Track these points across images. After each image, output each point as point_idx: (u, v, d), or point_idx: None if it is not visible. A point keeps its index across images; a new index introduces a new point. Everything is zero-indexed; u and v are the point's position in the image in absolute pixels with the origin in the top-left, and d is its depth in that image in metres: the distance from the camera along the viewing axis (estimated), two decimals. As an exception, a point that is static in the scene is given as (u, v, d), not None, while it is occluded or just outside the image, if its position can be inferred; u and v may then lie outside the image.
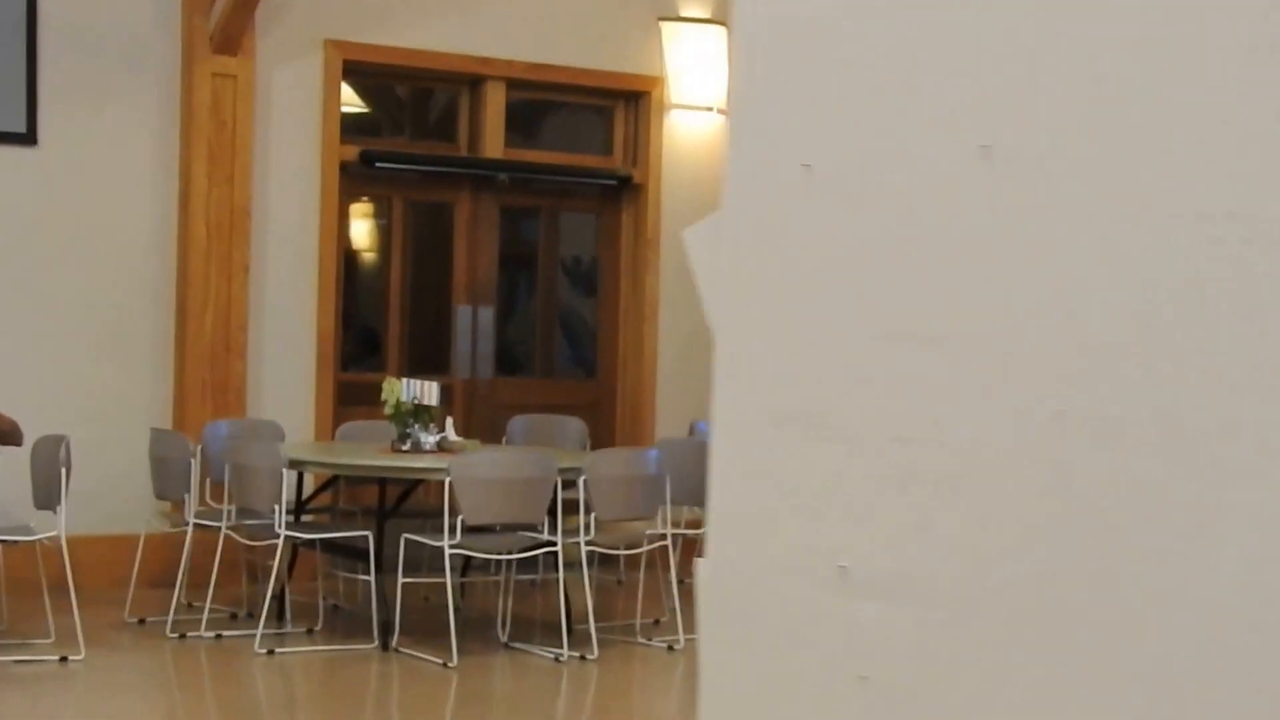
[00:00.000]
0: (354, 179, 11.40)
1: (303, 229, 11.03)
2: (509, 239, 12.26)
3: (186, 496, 9.29)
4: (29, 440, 8.87)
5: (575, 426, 10.67)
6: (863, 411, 1.20)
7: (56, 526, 8.45)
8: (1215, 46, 0.98)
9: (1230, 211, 0.95)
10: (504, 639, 9.03)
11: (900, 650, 1.16)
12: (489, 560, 9.22)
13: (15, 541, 8.63)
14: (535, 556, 9.04)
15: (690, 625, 8.56)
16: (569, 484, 8.80)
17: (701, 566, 1.34)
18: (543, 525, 8.70)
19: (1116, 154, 1.03)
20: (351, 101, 11.60)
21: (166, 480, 9.49)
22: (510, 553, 8.82)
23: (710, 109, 11.88)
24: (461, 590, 9.79)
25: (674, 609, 9.24)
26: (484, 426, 11.21)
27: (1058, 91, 1.06)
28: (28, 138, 10.29)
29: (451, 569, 8.59)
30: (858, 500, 1.20)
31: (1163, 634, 0.98)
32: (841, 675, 1.20)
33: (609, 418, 12.18)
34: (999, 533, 1.09)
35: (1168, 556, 0.99)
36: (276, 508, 8.68)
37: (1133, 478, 1.01)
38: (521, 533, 8.80)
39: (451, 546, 8.45)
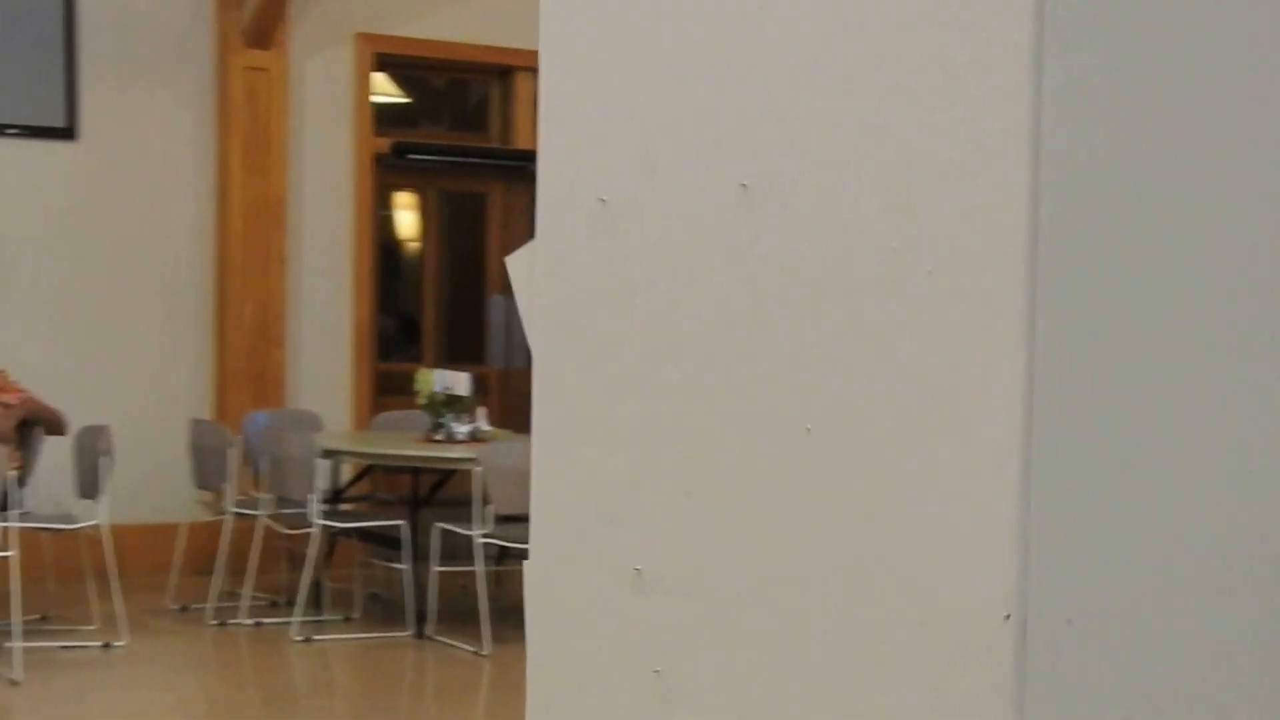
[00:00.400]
0: (387, 170, 11.48)
1: (337, 220, 11.14)
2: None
3: (226, 486, 9.41)
4: (72, 430, 9.01)
5: (610, 415, 10.69)
6: (649, 426, 1.31)
7: (99, 515, 8.57)
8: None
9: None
10: (537, 626, 9.08)
11: (686, 645, 1.27)
12: (525, 549, 9.28)
13: (60, 530, 8.75)
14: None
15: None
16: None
17: (527, 568, 1.46)
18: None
19: (845, 196, 1.15)
20: (384, 92, 11.69)
21: (206, 470, 9.61)
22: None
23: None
24: (497, 579, 9.87)
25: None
26: (520, 416, 11.27)
27: (799, 139, 1.19)
28: (67, 132, 10.43)
29: (486, 558, 8.65)
30: (649, 508, 1.30)
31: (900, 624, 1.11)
32: (639, 668, 1.31)
33: (645, 406, 12.19)
34: (768, 536, 1.20)
35: (896, 554, 1.12)
36: (312, 497, 8.78)
37: (872, 488, 1.13)
38: (554, 521, 8.84)
39: (483, 536, 8.52)
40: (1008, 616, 1.02)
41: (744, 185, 1.21)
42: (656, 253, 1.30)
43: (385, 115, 11.59)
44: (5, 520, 8.01)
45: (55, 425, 9.04)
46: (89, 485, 8.74)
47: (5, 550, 7.91)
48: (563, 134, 1.42)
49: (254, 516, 9.22)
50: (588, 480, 1.37)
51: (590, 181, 1.38)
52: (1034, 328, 1.01)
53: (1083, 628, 1.03)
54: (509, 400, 11.77)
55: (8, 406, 8.86)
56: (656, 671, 1.29)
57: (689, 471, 1.26)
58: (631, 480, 1.32)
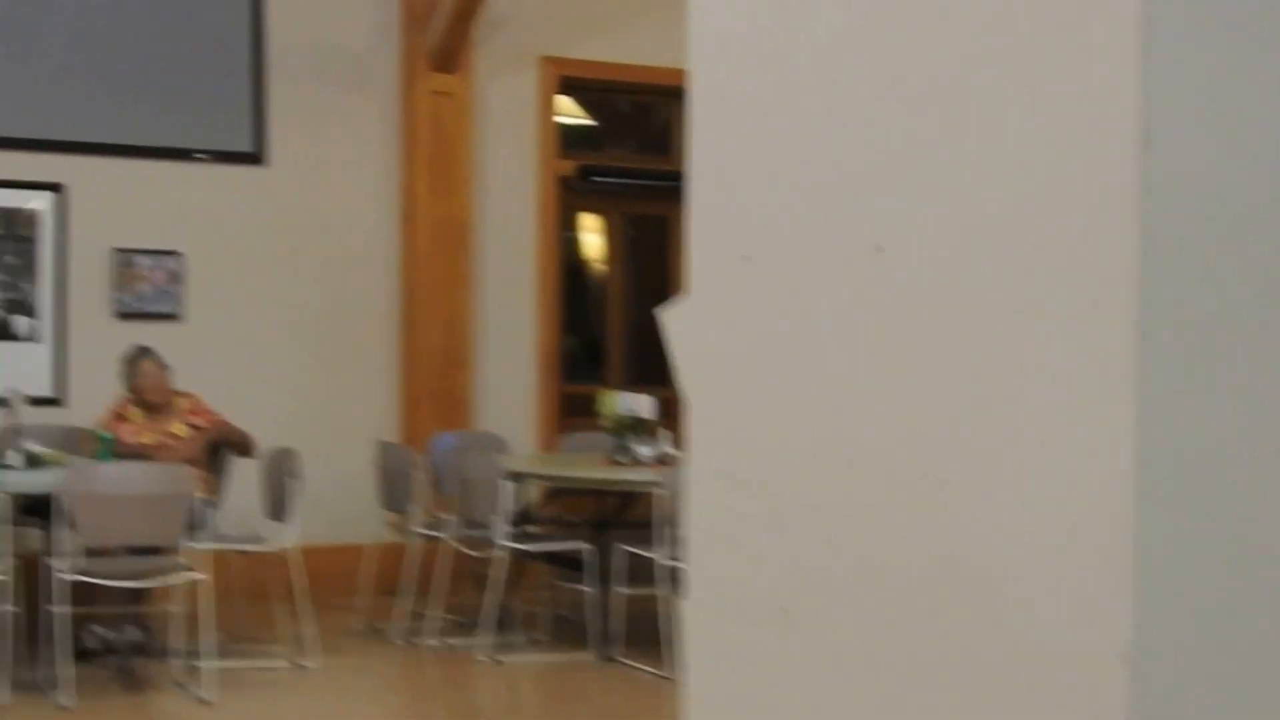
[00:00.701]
0: (572, 192, 11.54)
1: (522, 242, 11.21)
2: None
3: (412, 507, 9.48)
4: (261, 453, 9.14)
5: (797, 436, 10.62)
6: (792, 473, 1.37)
7: (288, 537, 8.68)
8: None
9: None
10: (723, 649, 9.02)
11: (833, 682, 1.32)
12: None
13: (249, 551, 8.88)
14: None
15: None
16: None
17: (683, 607, 1.53)
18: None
19: (971, 262, 1.22)
20: (568, 114, 11.75)
21: (393, 491, 9.70)
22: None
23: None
24: (683, 600, 9.81)
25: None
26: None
27: (930, 207, 1.26)
28: (256, 157, 10.61)
29: (671, 580, 8.63)
30: (793, 551, 1.37)
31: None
32: (791, 706, 1.37)
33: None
34: (900, 578, 1.26)
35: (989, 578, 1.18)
36: (498, 519, 8.82)
37: (996, 534, 1.16)
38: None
39: (667, 559, 8.49)
40: (1119, 655, 1.04)
41: (879, 248, 1.28)
42: (796, 309, 1.38)
43: (569, 138, 11.65)
44: (198, 542, 8.13)
45: (244, 448, 9.17)
46: (278, 507, 8.86)
47: (197, 572, 8.02)
48: (711, 196, 1.51)
49: (440, 538, 9.28)
50: (736, 524, 1.43)
51: (736, 241, 1.47)
52: (1144, 382, 1.05)
53: (1193, 666, 1.06)
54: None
55: (199, 429, 9.01)
56: (806, 708, 1.35)
57: (829, 517, 1.32)
58: (776, 524, 1.38)
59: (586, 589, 9.00)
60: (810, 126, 1.39)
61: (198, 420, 9.06)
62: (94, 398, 9.58)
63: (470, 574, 9.97)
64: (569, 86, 11.50)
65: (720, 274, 1.48)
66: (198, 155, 10.50)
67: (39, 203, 10.32)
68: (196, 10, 10.56)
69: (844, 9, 1.37)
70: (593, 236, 12.26)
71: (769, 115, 1.45)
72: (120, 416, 8.99)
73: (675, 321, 1.56)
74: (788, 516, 1.37)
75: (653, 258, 12.15)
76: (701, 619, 1.52)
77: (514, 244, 11.20)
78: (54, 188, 10.32)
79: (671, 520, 8.41)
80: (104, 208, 10.39)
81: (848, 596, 1.30)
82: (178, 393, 9.15)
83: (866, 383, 1.29)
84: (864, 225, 1.31)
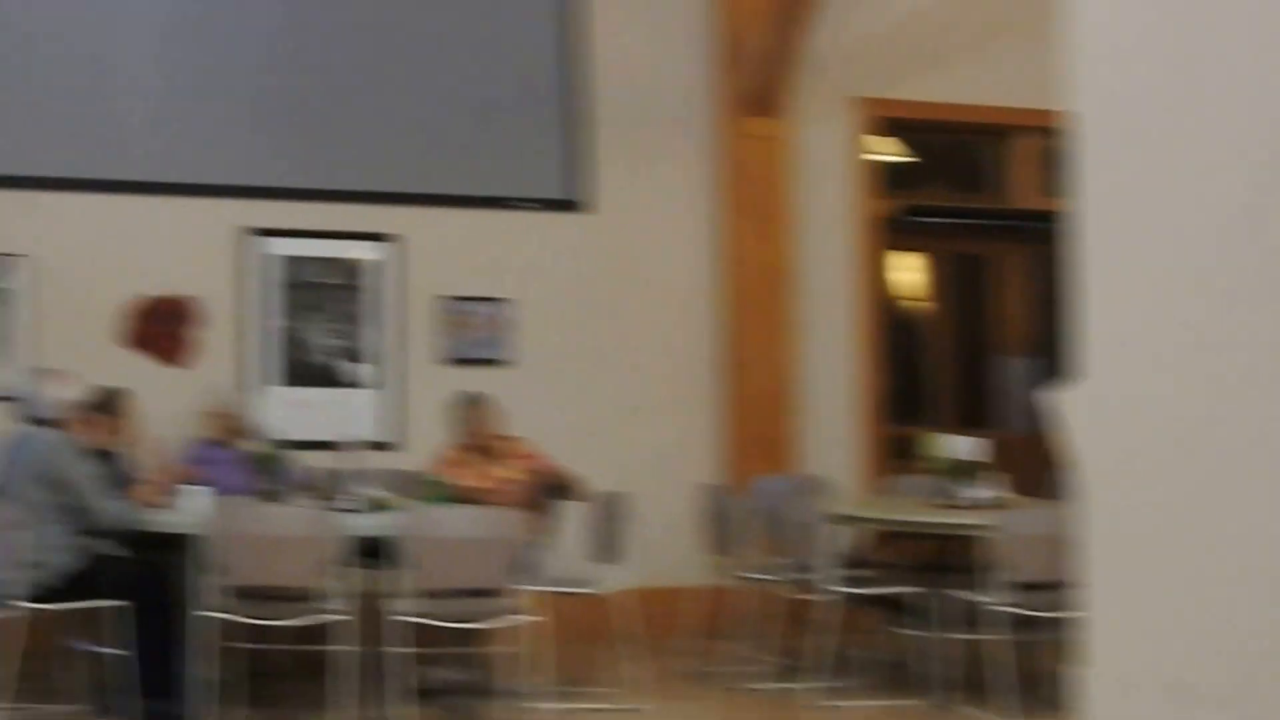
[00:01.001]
0: (892, 232, 11.46)
1: (843, 284, 11.16)
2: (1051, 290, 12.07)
3: (737, 550, 9.46)
4: (589, 495, 9.20)
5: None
6: (1193, 554, 1.36)
7: (617, 579, 8.71)
8: None
9: None
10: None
11: None
12: (1048, 618, 9.00)
13: (578, 594, 8.94)
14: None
15: None
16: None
17: (1086, 678, 1.52)
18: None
19: None
20: (888, 154, 11.68)
21: (717, 534, 9.69)
22: (1060, 610, 8.60)
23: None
24: (1022, 647, 9.60)
25: None
26: (1033, 482, 10.98)
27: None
28: (577, 204, 10.75)
29: (1011, 626, 8.43)
30: (1194, 627, 1.35)
31: None
32: None
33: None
34: None
35: None
36: (823, 562, 8.75)
37: None
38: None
39: (1002, 604, 8.30)
40: None
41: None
42: (1205, 393, 1.36)
43: (887, 177, 11.58)
44: (529, 585, 8.21)
45: (572, 491, 9.25)
46: (607, 550, 8.90)
47: (529, 614, 8.10)
48: (1107, 271, 1.49)
49: (765, 581, 9.24)
50: (1138, 599, 1.42)
51: (1137, 328, 1.44)
52: None
53: None
54: (1021, 466, 11.49)
55: (529, 474, 9.11)
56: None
57: (1236, 595, 1.29)
58: (1181, 600, 1.36)
59: (918, 633, 8.86)
60: (1222, 189, 1.37)
61: (527, 464, 9.17)
62: (423, 442, 9.75)
63: (797, 618, 9.90)
64: (885, 126, 11.44)
65: (1118, 361, 1.46)
66: (522, 204, 10.67)
67: (369, 252, 10.59)
68: (516, 59, 10.75)
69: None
70: (911, 276, 12.15)
71: (1172, 175, 1.43)
72: (453, 461, 9.14)
73: (1072, 404, 1.54)
74: (1192, 593, 1.35)
75: (972, 297, 11.99)
76: (1104, 689, 1.50)
77: (833, 286, 11.16)
78: (385, 238, 10.58)
79: (1004, 565, 8.23)
80: (433, 257, 10.62)
81: (1252, 671, 1.27)
82: (507, 437, 9.28)
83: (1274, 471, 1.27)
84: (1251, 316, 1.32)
